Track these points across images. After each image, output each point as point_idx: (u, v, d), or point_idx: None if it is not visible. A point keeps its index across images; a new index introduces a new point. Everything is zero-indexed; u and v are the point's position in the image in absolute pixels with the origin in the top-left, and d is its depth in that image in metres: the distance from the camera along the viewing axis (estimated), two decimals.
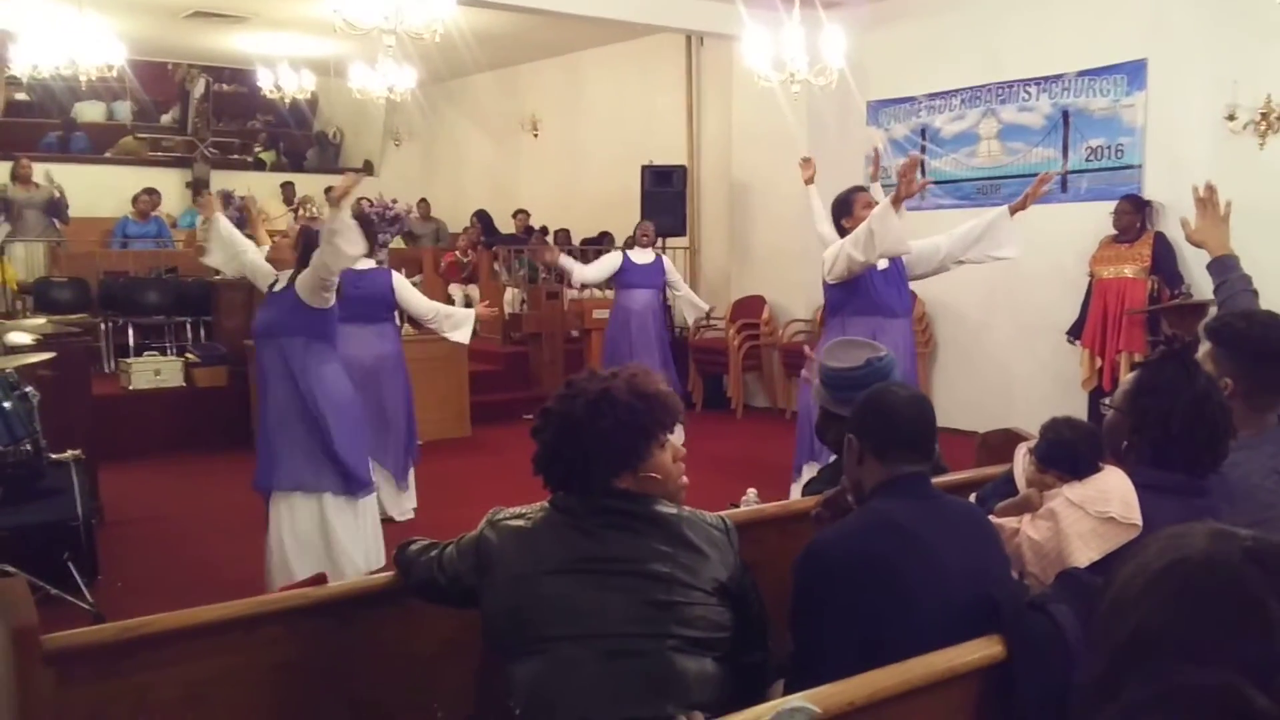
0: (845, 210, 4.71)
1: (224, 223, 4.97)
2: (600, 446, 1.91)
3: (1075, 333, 7.09)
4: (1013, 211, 4.48)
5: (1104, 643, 0.88)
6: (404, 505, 5.87)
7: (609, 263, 7.55)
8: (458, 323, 5.83)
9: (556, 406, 1.98)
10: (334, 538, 4.41)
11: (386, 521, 5.43)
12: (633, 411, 1.93)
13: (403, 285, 5.86)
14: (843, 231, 4.67)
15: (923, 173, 8.36)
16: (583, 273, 7.51)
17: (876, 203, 4.61)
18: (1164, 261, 6.67)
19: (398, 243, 10.07)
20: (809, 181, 5.83)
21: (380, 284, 5.69)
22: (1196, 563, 0.84)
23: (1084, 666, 0.90)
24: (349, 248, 4.25)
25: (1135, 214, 6.83)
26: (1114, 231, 6.93)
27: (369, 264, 5.79)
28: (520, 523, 1.97)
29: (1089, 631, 0.92)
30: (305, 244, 4.46)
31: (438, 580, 2.08)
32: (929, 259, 4.62)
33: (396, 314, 6.04)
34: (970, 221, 4.57)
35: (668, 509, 1.95)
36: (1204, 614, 0.81)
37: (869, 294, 4.57)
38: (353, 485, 4.46)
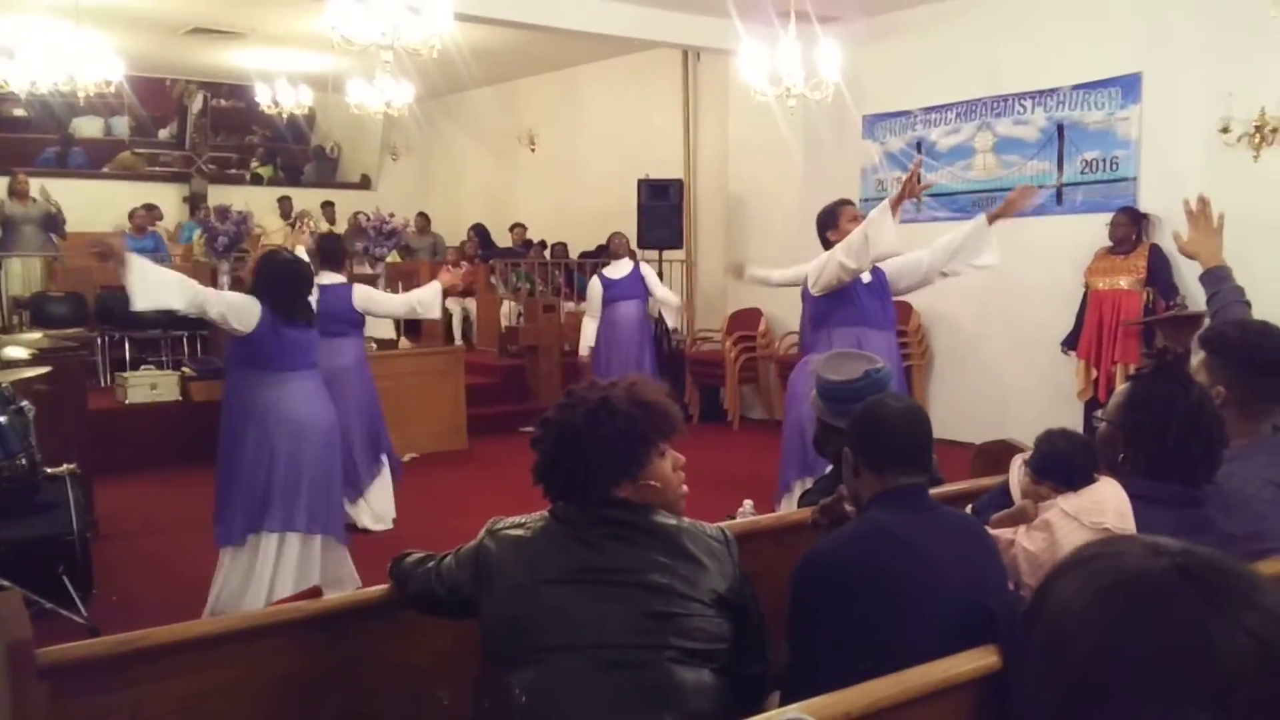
0: (830, 222, 4.69)
1: (140, 264, 4.07)
2: (599, 455, 1.92)
3: (1070, 343, 7.11)
4: (991, 220, 4.47)
5: (1051, 678, 0.85)
6: (364, 517, 5.79)
7: (594, 297, 7.65)
8: (429, 305, 5.79)
9: (556, 415, 1.99)
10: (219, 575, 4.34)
11: (362, 532, 5.51)
12: (632, 420, 1.94)
13: (366, 296, 5.89)
14: (826, 244, 4.66)
15: (919, 181, 8.39)
16: (590, 327, 7.63)
17: (861, 216, 4.60)
18: (1159, 273, 6.69)
19: (394, 257, 10.08)
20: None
21: (341, 298, 5.73)
22: (1131, 587, 0.82)
23: (1036, 703, 0.86)
24: (168, 301, 4.10)
25: (1131, 226, 6.85)
26: (1109, 243, 6.95)
27: (336, 279, 5.84)
28: (520, 532, 1.98)
29: (1031, 661, 0.88)
30: (258, 271, 4.50)
31: (435, 591, 2.08)
32: (912, 272, 4.62)
33: (381, 325, 6.08)
34: (950, 233, 4.56)
35: (667, 520, 1.96)
36: (1147, 643, 0.78)
37: (854, 305, 4.54)
38: (219, 528, 4.29)
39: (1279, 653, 0.77)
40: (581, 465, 1.93)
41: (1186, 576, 0.81)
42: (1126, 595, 0.82)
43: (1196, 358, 2.52)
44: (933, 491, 2.27)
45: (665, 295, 7.90)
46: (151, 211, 11.01)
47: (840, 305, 4.53)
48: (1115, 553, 0.86)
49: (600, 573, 1.88)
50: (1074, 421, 6.28)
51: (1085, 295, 7.01)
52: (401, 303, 5.99)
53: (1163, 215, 6.83)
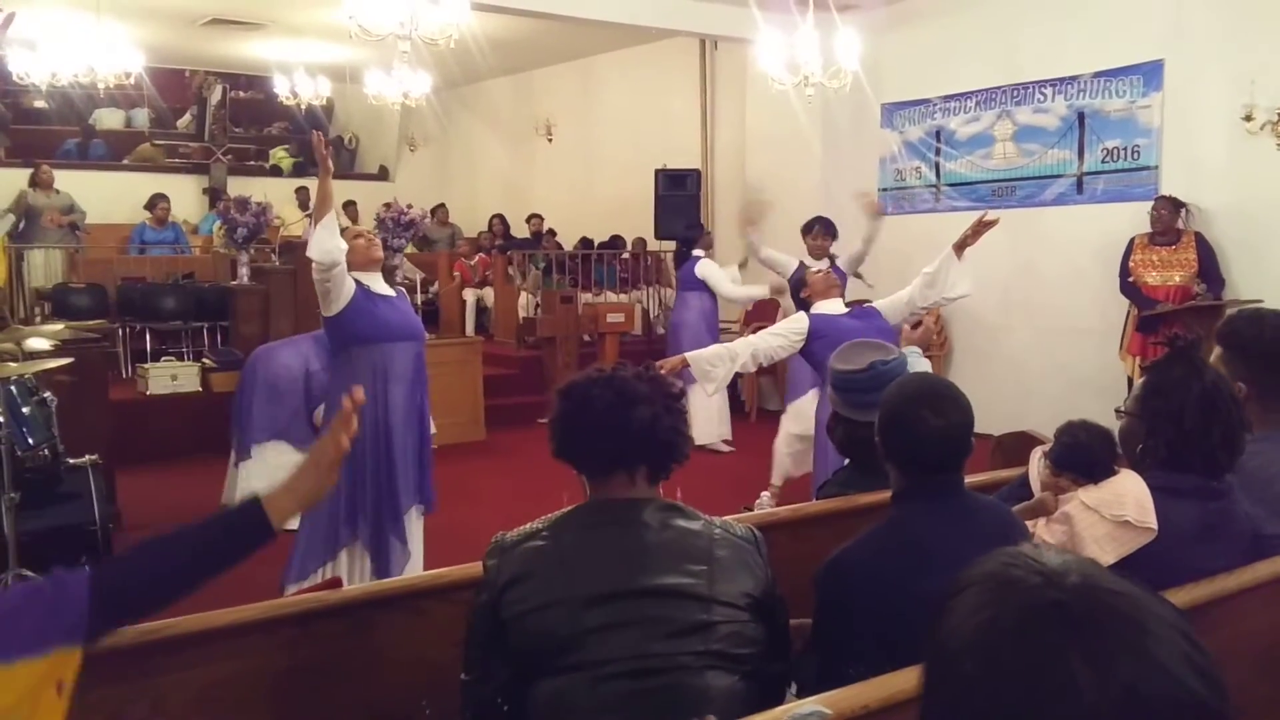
0: (801, 285, 4.83)
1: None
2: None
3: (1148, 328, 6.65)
4: (958, 250, 4.46)
5: (931, 697, 0.82)
6: None
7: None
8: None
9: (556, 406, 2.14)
10: None
11: None
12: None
13: None
14: (799, 301, 4.77)
15: (938, 174, 8.34)
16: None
17: (823, 271, 4.77)
18: (1208, 265, 6.48)
19: (411, 247, 10.09)
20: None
21: None
22: (1010, 624, 0.77)
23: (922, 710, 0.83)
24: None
25: (1174, 214, 6.58)
26: (1146, 231, 6.69)
27: None
28: (539, 543, 1.93)
29: (924, 679, 0.84)
30: None
31: (493, 701, 1.95)
32: (898, 309, 4.62)
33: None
34: (924, 269, 4.56)
35: (697, 526, 1.94)
36: (1017, 687, 0.74)
37: (829, 334, 4.49)
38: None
39: (1154, 708, 0.71)
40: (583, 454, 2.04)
41: (1071, 617, 0.75)
42: (1004, 634, 0.77)
43: (1215, 353, 2.50)
44: None
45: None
46: (164, 201, 10.96)
47: (815, 340, 4.50)
48: (1010, 579, 0.81)
49: (634, 581, 1.85)
50: (1096, 413, 6.21)
51: (1134, 290, 6.70)
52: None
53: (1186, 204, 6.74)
